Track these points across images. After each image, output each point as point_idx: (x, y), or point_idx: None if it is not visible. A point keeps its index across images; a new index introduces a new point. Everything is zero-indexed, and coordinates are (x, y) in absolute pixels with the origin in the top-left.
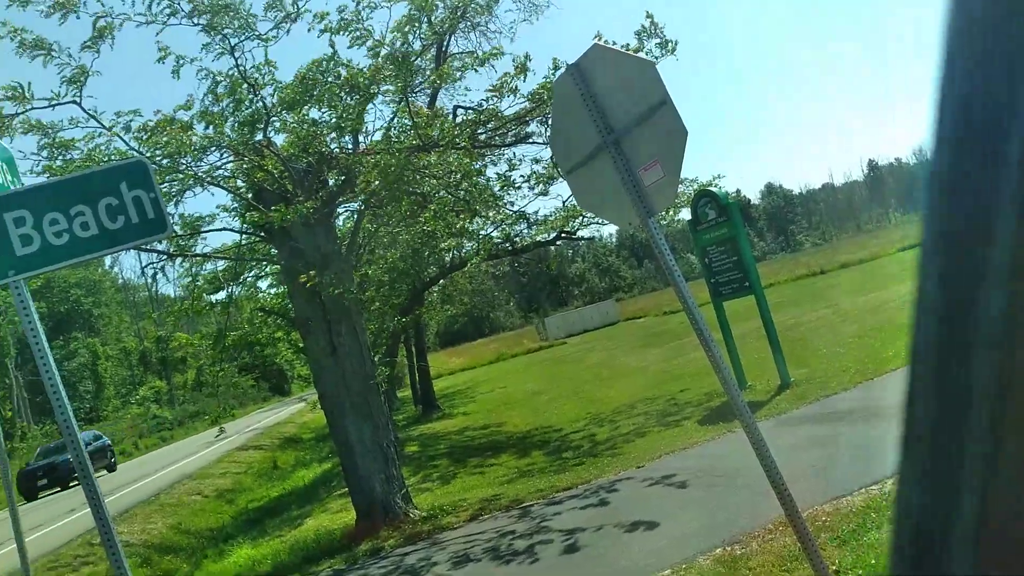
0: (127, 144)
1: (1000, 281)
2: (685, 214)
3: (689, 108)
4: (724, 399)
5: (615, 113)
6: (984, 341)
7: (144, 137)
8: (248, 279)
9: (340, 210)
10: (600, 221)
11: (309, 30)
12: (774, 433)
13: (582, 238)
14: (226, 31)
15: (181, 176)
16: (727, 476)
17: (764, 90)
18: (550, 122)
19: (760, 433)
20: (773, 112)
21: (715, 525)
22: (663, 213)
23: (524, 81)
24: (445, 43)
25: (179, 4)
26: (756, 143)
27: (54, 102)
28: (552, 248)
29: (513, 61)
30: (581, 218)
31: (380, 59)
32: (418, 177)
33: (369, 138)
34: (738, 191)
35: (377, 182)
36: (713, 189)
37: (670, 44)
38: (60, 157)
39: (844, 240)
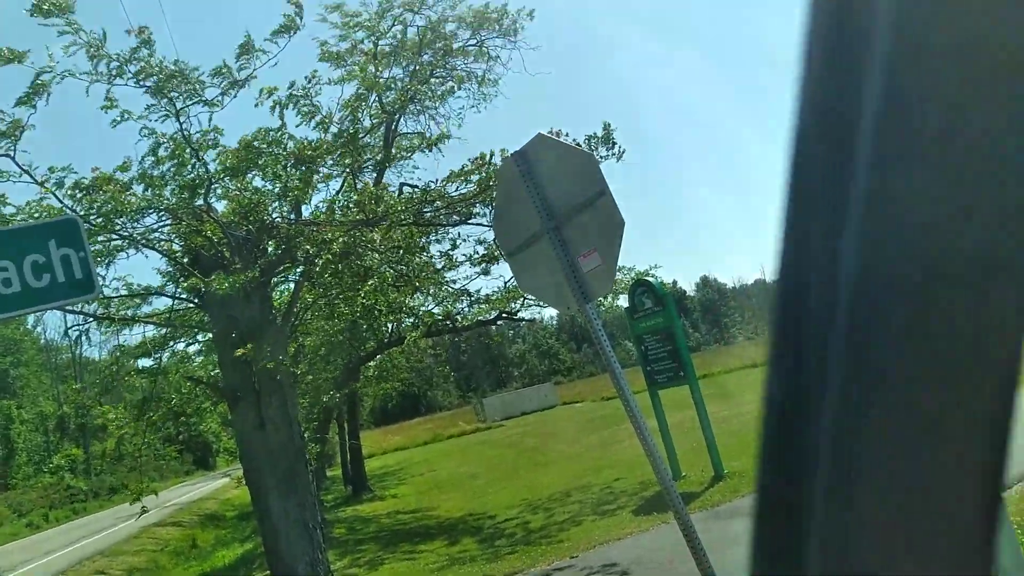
0: (60, 201)
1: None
2: (623, 301)
3: (628, 199)
4: (658, 489)
5: (556, 200)
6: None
7: (79, 195)
8: (178, 347)
9: (276, 280)
10: (540, 304)
11: (257, 105)
12: (707, 526)
13: (523, 319)
14: (172, 94)
15: (115, 237)
16: (661, 568)
17: (702, 184)
18: (494, 205)
19: (693, 526)
20: (711, 207)
21: None
22: (601, 299)
23: (484, 174)
24: (394, 122)
25: (127, 67)
26: (693, 236)
27: None
28: (493, 328)
29: (471, 156)
30: (522, 299)
31: (328, 135)
32: (360, 251)
33: (312, 207)
34: (674, 282)
35: (328, 257)
36: (650, 279)
37: (617, 148)
38: None
39: None
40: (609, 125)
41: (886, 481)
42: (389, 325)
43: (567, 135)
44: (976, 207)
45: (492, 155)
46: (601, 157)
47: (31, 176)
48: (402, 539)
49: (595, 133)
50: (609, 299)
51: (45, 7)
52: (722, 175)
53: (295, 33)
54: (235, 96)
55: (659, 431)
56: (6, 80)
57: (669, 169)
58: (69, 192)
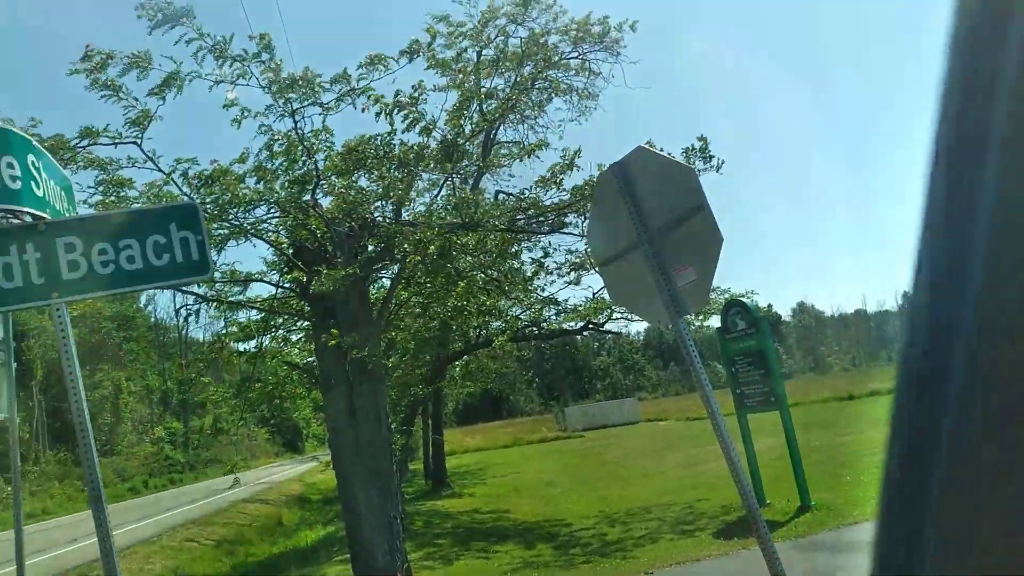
0: (180, 188)
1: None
2: (714, 321)
3: (729, 218)
4: (741, 513)
5: (653, 213)
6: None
7: (198, 184)
8: (278, 333)
9: (374, 276)
10: (629, 316)
11: (363, 110)
12: (790, 556)
13: (609, 331)
14: (290, 96)
15: (228, 226)
16: None
17: (807, 209)
18: (588, 215)
19: (776, 554)
20: (814, 232)
21: None
22: (692, 317)
23: (571, 175)
24: (494, 131)
25: (249, 67)
26: (793, 260)
27: (116, 141)
28: (578, 338)
29: (562, 156)
30: (609, 311)
31: (431, 140)
32: (454, 254)
33: (412, 208)
34: (769, 306)
35: (420, 258)
36: (744, 300)
37: (715, 160)
38: (115, 194)
39: (874, 368)
40: (705, 138)
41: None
42: (477, 327)
43: (661, 149)
44: None
45: (576, 154)
46: (699, 170)
47: (155, 164)
48: (478, 538)
49: (692, 145)
50: (700, 317)
51: (161, 16)
52: (827, 201)
53: (418, 57)
54: (352, 103)
55: (745, 455)
56: (134, 75)
57: (770, 190)
58: (189, 181)
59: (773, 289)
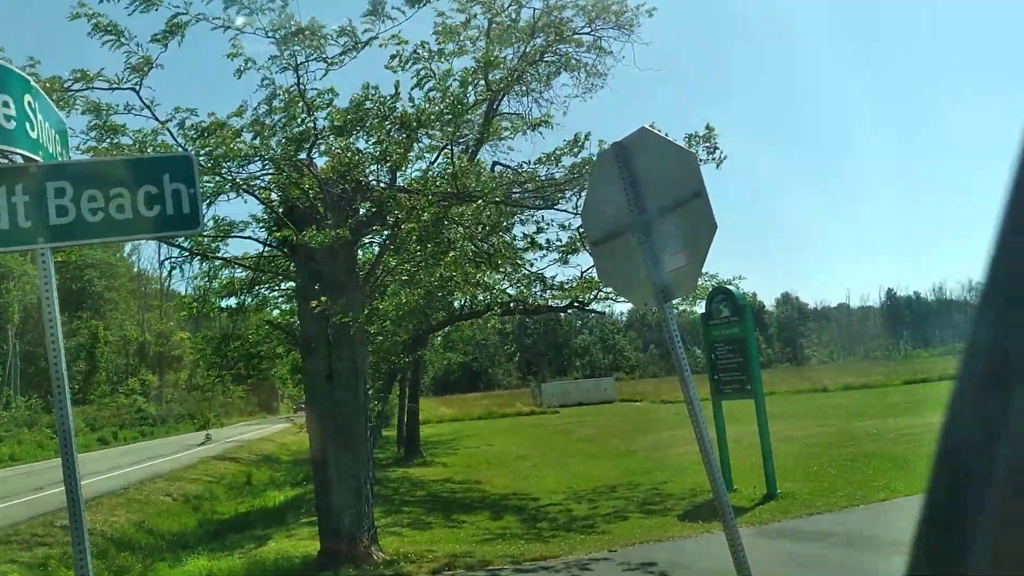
0: (175, 139)
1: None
2: (699, 308)
3: (722, 204)
4: (707, 497)
5: (650, 196)
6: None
7: (194, 136)
8: (262, 291)
9: (363, 240)
10: (615, 298)
11: (382, 45)
12: (753, 542)
13: (593, 311)
14: (295, 48)
15: (220, 179)
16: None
17: (798, 201)
18: (585, 193)
19: (740, 539)
20: (802, 224)
21: None
22: (679, 301)
23: (577, 156)
24: (497, 101)
25: (256, 16)
26: (779, 250)
27: (114, 86)
28: (562, 315)
29: (574, 138)
30: (596, 291)
31: (434, 105)
32: (447, 223)
33: (408, 173)
34: (754, 294)
35: (413, 226)
36: (730, 287)
37: (718, 153)
38: (108, 140)
39: (851, 362)
40: (711, 127)
41: None
42: (464, 299)
43: (666, 134)
44: None
45: (586, 137)
46: (700, 160)
47: (152, 113)
48: (447, 507)
49: (696, 132)
50: (687, 302)
51: None
52: (822, 192)
53: (424, 5)
54: (355, 56)
55: (717, 441)
56: (137, 21)
57: (767, 178)
58: (184, 132)
59: (759, 279)
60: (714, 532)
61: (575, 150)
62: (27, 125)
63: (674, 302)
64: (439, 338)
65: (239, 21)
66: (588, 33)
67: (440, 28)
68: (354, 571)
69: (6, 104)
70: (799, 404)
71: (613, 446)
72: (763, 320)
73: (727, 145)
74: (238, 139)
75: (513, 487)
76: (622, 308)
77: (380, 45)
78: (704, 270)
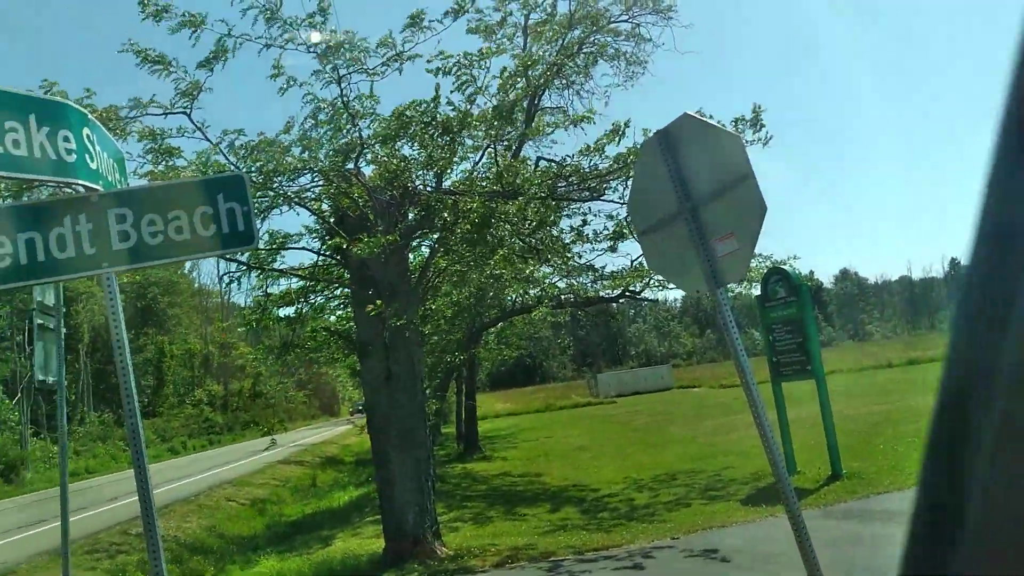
0: (227, 159)
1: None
2: (755, 289)
3: (772, 182)
4: (770, 481)
5: (696, 182)
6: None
7: (244, 154)
8: (317, 300)
9: (413, 244)
10: (666, 284)
11: (428, 61)
12: (818, 524)
13: (646, 299)
14: (337, 62)
15: (272, 194)
16: (767, 560)
17: (852, 173)
18: (631, 183)
19: (804, 522)
20: (858, 197)
21: None
22: (732, 285)
23: (618, 144)
24: (538, 97)
25: (297, 32)
26: (836, 226)
27: (167, 111)
28: (614, 305)
29: (612, 126)
30: (647, 279)
31: (478, 107)
32: (494, 221)
33: (453, 175)
34: (811, 273)
35: (465, 226)
36: (786, 267)
37: (764, 132)
38: (164, 163)
39: (915, 336)
40: (758, 107)
41: None
42: (514, 295)
43: (711, 117)
44: None
45: (626, 125)
46: (747, 141)
47: (204, 135)
48: (508, 500)
49: (743, 116)
50: (742, 285)
51: None
52: (878, 165)
53: (463, 15)
54: (398, 68)
55: (778, 423)
56: (180, 43)
57: (821, 155)
58: (235, 151)
59: (816, 256)
60: (778, 516)
61: (617, 140)
62: (87, 157)
63: (727, 286)
64: (492, 335)
65: (283, 37)
66: (626, 20)
67: (477, 26)
68: (419, 567)
69: (67, 139)
70: (863, 381)
71: (672, 433)
72: (822, 298)
73: (775, 122)
74: (287, 154)
75: (573, 478)
76: (675, 295)
77: (427, 61)
78: (758, 251)
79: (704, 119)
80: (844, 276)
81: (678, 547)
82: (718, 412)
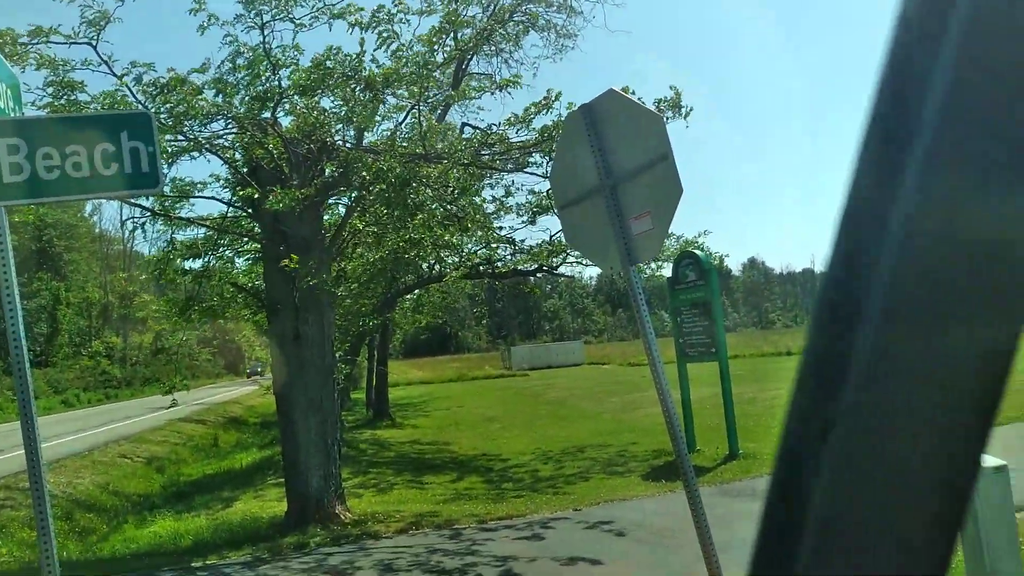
0: (134, 96)
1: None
2: (667, 271)
3: (690, 167)
4: (671, 458)
5: (617, 159)
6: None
7: (154, 92)
8: (226, 253)
9: (329, 201)
10: (583, 261)
11: (340, 17)
12: (714, 501)
13: (562, 275)
14: (262, 7)
15: (182, 139)
16: (663, 533)
17: (767, 166)
18: (553, 155)
19: (700, 498)
20: (770, 190)
21: None
22: (644, 267)
23: (547, 114)
24: (466, 61)
25: None
26: (748, 215)
27: (71, 41)
28: (531, 279)
29: (544, 98)
30: (564, 255)
31: (402, 65)
32: (414, 185)
33: (375, 134)
34: (721, 258)
35: (383, 186)
36: (697, 252)
37: (684, 109)
38: (65, 96)
39: None
40: (678, 90)
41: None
42: (432, 261)
43: (633, 93)
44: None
45: (557, 97)
46: (668, 119)
47: (110, 68)
48: (415, 468)
49: (665, 97)
50: (652, 265)
51: None
52: (790, 158)
53: None
54: (327, 23)
55: (681, 403)
56: None
57: (739, 142)
58: (144, 89)
59: (726, 245)
60: (676, 491)
61: (546, 110)
62: None
63: (640, 266)
64: (408, 302)
65: None
66: None
67: None
68: (322, 531)
69: None
70: (763, 367)
71: (581, 408)
72: (730, 285)
73: (699, 109)
74: (200, 97)
75: (481, 448)
76: (591, 273)
77: (341, 14)
78: (671, 231)
79: (628, 96)
80: (752, 265)
81: (578, 519)
82: (626, 389)
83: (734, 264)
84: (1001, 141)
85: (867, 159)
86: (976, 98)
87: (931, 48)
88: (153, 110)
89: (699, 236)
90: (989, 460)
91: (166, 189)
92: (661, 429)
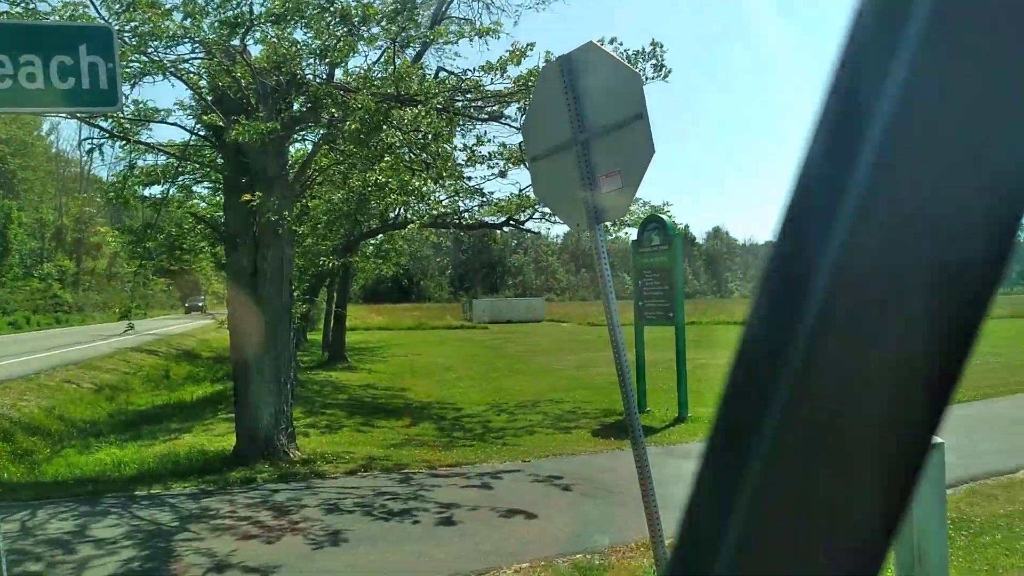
0: (98, 12)
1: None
2: (632, 235)
3: (665, 131)
4: (621, 417)
5: (592, 114)
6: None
7: (119, 10)
8: (186, 182)
9: (296, 136)
10: (550, 218)
11: None
12: (659, 461)
13: (529, 230)
14: None
15: (146, 60)
16: (607, 489)
17: (740, 137)
18: (528, 106)
19: (646, 457)
20: (741, 160)
21: (584, 532)
22: (609, 228)
23: (518, 65)
24: (446, 4)
25: None
26: (716, 184)
27: None
28: (498, 232)
29: (512, 46)
30: (532, 210)
31: (383, 4)
32: (385, 127)
33: (346, 71)
34: (686, 226)
35: (355, 124)
36: (663, 216)
37: (664, 69)
38: (23, 3)
39: None
40: (659, 43)
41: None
42: (398, 207)
43: (621, 44)
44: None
45: (528, 47)
46: (647, 77)
47: None
48: (367, 411)
49: (643, 48)
50: (617, 227)
51: None
52: (764, 131)
53: None
54: None
55: (636, 364)
56: None
57: (713, 111)
58: (108, 5)
59: (692, 213)
60: (624, 449)
61: (518, 60)
62: None
63: (607, 225)
64: (372, 246)
65: None
66: None
67: None
68: (270, 468)
69: None
70: (719, 335)
71: (538, 363)
72: (692, 252)
73: (680, 69)
74: (167, 18)
75: (436, 396)
76: (558, 231)
77: None
78: (637, 197)
79: (608, 51)
80: (716, 234)
81: (527, 471)
82: (584, 347)
83: (699, 232)
84: (963, 119)
85: (823, 132)
86: (939, 75)
87: (897, 22)
88: (117, 28)
89: (664, 205)
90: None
91: (127, 111)
92: (614, 388)
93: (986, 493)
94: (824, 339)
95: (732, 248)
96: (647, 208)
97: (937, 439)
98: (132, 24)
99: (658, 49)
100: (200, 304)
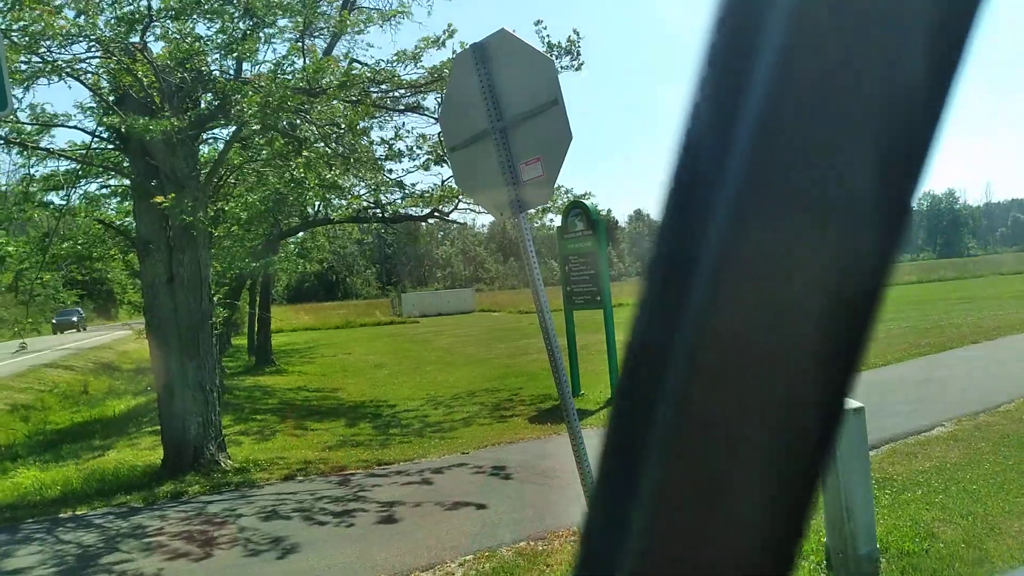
0: None
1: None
2: (557, 221)
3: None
4: (557, 402)
5: (508, 102)
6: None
7: (4, 8)
8: (91, 189)
9: (207, 136)
10: (474, 208)
11: None
12: (596, 442)
13: (454, 221)
14: None
15: (39, 61)
16: (546, 475)
17: (656, 114)
18: (444, 96)
19: (583, 441)
20: (659, 139)
21: (526, 519)
22: (534, 212)
23: (439, 50)
24: None
25: None
26: (634, 167)
27: None
28: (423, 225)
29: (433, 36)
30: (456, 200)
31: None
32: (297, 120)
33: (256, 68)
34: (609, 211)
35: (254, 108)
36: (585, 202)
37: (578, 61)
38: None
39: None
40: (577, 34)
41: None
42: (317, 203)
43: (545, 28)
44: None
45: (448, 33)
46: (562, 67)
47: None
48: (299, 414)
49: (559, 42)
50: (541, 214)
51: None
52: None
53: None
54: None
55: (567, 349)
56: None
57: (626, 95)
58: None
59: (613, 197)
60: (561, 434)
61: (437, 45)
62: None
63: (532, 213)
64: (293, 245)
65: None
66: None
67: None
68: (201, 479)
69: None
70: None
71: (470, 354)
72: (616, 236)
73: (596, 57)
74: (58, 15)
75: (369, 395)
76: (484, 220)
77: None
78: (559, 184)
79: (520, 38)
80: (638, 216)
81: (467, 463)
82: (514, 336)
83: (621, 216)
84: (845, 66)
85: (704, 91)
86: (821, 25)
87: None
88: (3, 27)
89: (586, 195)
90: (848, 403)
91: (22, 116)
92: (548, 374)
93: (906, 452)
94: (716, 315)
95: (654, 230)
96: (570, 196)
97: (857, 404)
98: (21, 23)
99: (574, 44)
100: (74, 319)
